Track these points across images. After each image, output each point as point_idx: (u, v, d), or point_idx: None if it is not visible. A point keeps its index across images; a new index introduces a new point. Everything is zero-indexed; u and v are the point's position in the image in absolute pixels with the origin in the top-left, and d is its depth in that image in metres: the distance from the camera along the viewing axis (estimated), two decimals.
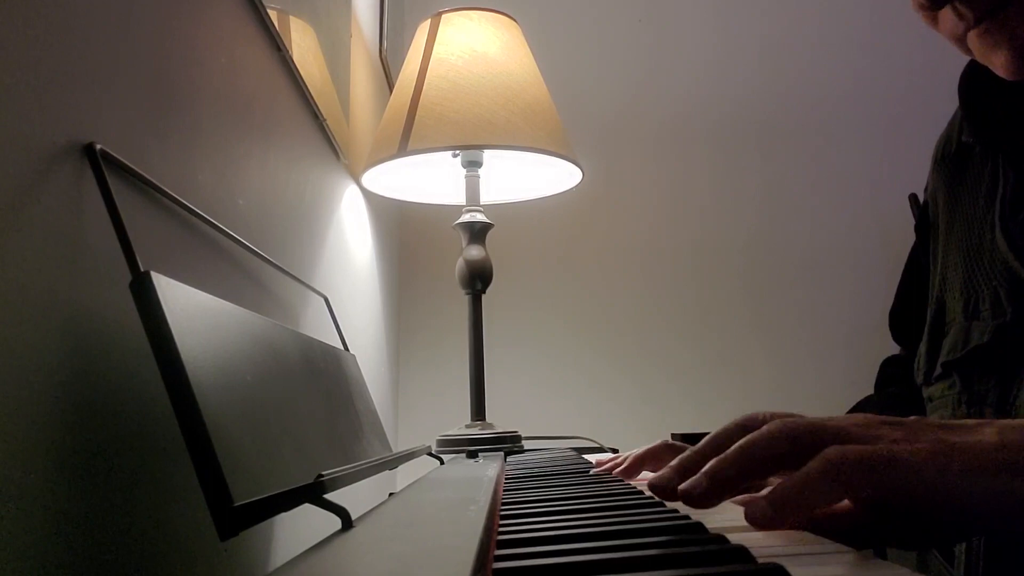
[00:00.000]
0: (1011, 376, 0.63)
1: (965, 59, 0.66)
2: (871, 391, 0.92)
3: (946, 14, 0.60)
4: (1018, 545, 0.56)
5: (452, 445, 1.21)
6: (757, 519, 0.39)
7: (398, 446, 1.53)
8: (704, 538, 0.36)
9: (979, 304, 0.67)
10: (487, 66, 1.28)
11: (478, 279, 1.31)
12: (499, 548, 0.37)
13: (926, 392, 0.74)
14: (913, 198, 1.02)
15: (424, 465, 0.91)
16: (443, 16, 1.34)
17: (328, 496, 0.41)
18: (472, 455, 1.13)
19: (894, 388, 0.87)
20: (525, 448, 1.27)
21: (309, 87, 0.96)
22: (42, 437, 0.38)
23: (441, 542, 0.35)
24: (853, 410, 0.86)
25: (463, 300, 1.33)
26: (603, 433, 1.52)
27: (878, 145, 1.97)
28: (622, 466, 0.76)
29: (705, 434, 0.51)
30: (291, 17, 0.95)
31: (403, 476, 1.44)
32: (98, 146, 0.44)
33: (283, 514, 0.40)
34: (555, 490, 0.62)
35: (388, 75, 1.67)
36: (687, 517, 0.42)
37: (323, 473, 0.42)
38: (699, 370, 1.89)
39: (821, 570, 0.32)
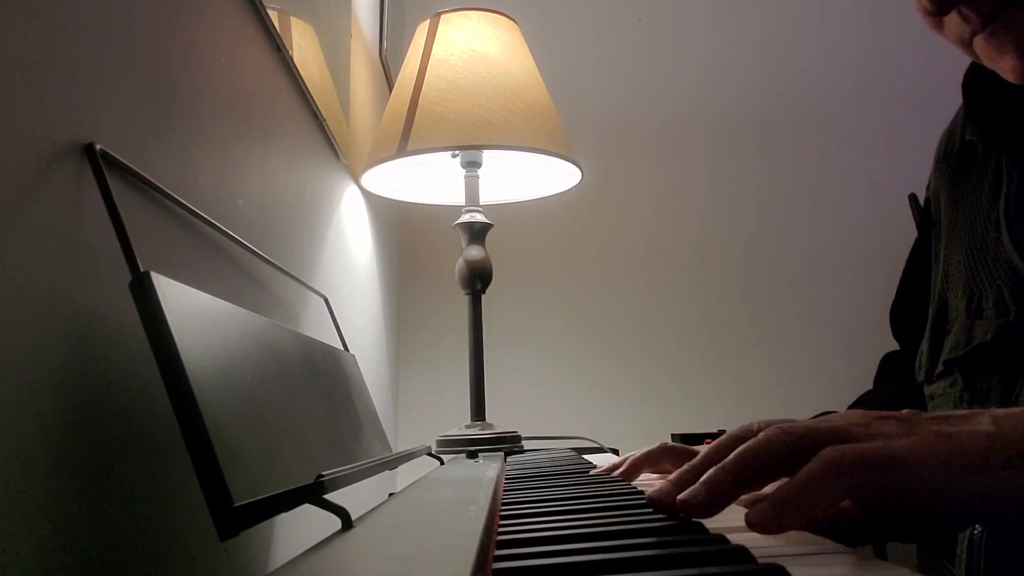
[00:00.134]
0: (1014, 375, 0.63)
1: (966, 59, 0.66)
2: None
3: (951, 19, 0.59)
4: (1019, 544, 0.56)
5: (452, 445, 1.21)
6: (758, 522, 0.39)
7: (398, 446, 1.53)
8: (704, 538, 0.36)
9: (982, 302, 0.67)
10: (487, 66, 1.28)
11: (478, 279, 1.31)
12: (499, 548, 0.37)
13: (928, 390, 0.74)
14: (913, 198, 1.01)
15: (424, 465, 0.91)
16: (442, 16, 1.34)
17: (328, 496, 0.41)
18: (472, 455, 1.13)
19: (894, 385, 0.87)
20: (525, 448, 1.27)
21: (309, 87, 0.96)
22: (42, 437, 0.38)
23: (441, 542, 0.35)
24: (853, 406, 0.86)
25: (463, 300, 1.33)
26: (603, 433, 1.52)
27: (878, 145, 1.97)
28: (620, 469, 0.76)
29: (705, 434, 0.51)
30: (291, 17, 0.95)
31: (403, 476, 1.44)
32: (98, 146, 0.44)
33: (283, 514, 0.40)
34: (555, 490, 0.62)
35: (388, 75, 1.67)
36: (687, 517, 0.42)
37: (323, 473, 0.42)
38: (699, 370, 1.89)
39: (821, 570, 0.32)
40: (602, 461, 0.83)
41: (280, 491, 0.39)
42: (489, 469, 0.74)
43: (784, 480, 0.41)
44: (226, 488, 0.35)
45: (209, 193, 0.64)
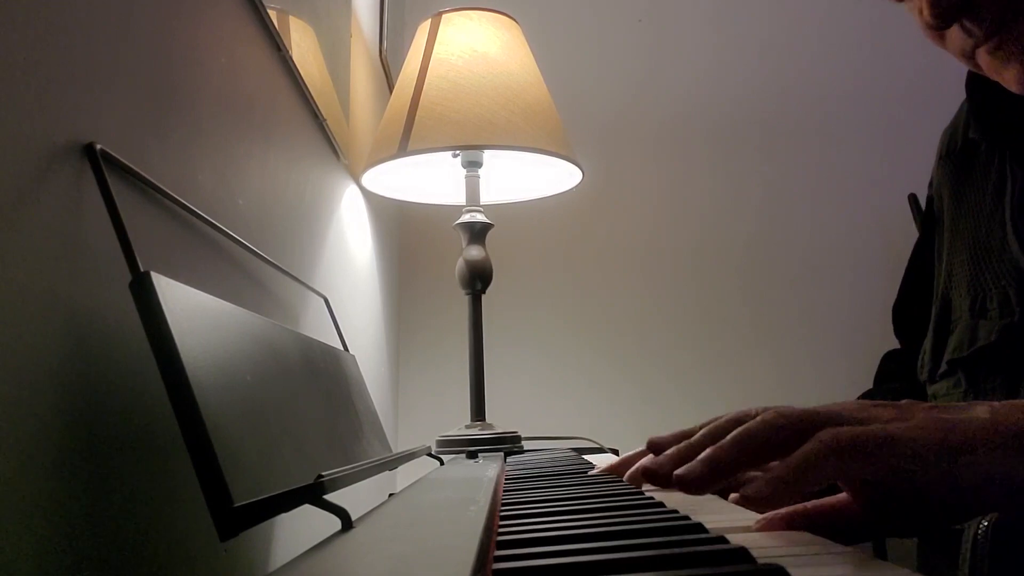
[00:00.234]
0: (1018, 376, 0.63)
1: None
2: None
3: (953, 32, 0.59)
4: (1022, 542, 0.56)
5: (452, 445, 1.21)
6: (753, 496, 0.40)
7: (398, 446, 1.53)
8: (704, 539, 0.36)
9: (986, 303, 0.67)
10: (487, 66, 1.28)
11: (478, 279, 1.31)
12: (499, 548, 0.37)
13: (930, 389, 0.74)
14: (913, 199, 1.01)
15: (424, 465, 0.91)
16: (443, 16, 1.34)
17: (328, 497, 0.41)
18: (472, 455, 1.13)
19: (895, 384, 0.87)
20: (525, 448, 1.27)
21: (309, 87, 0.96)
22: (42, 437, 0.38)
23: (441, 542, 0.35)
24: None
25: (463, 300, 1.33)
26: (603, 433, 1.52)
27: (878, 145, 1.97)
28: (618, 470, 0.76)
29: None
30: (291, 17, 0.95)
31: (403, 476, 1.44)
32: (98, 146, 0.44)
33: (283, 514, 0.40)
34: (555, 490, 0.62)
35: (388, 75, 1.67)
36: (687, 518, 0.42)
37: (323, 474, 0.42)
38: (699, 370, 1.89)
39: (821, 570, 0.32)
40: (602, 461, 0.83)
41: (280, 491, 0.39)
42: (489, 469, 0.74)
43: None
44: (226, 488, 0.35)
45: (209, 193, 0.64)
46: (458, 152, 1.31)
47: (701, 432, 0.49)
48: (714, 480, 0.43)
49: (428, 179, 1.47)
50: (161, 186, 0.51)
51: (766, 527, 0.45)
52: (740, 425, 0.45)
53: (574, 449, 1.32)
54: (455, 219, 1.34)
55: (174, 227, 0.56)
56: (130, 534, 0.45)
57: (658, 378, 1.88)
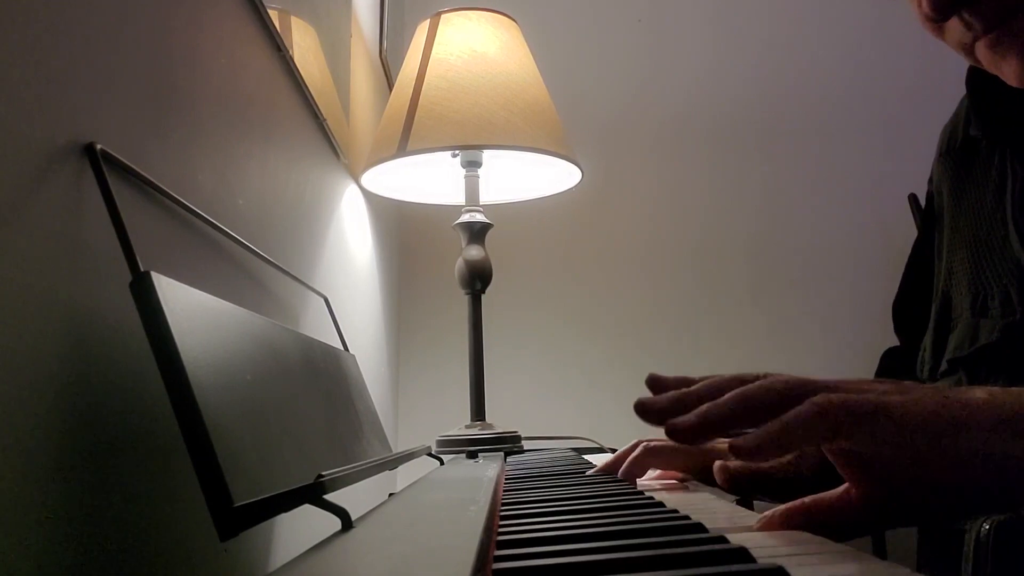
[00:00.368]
0: (1019, 375, 0.62)
1: None
2: None
3: (953, 24, 0.59)
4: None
5: (452, 445, 1.21)
6: (740, 448, 0.40)
7: (398, 446, 1.53)
8: (704, 538, 0.36)
9: (987, 301, 0.66)
10: (487, 66, 1.28)
11: (478, 279, 1.31)
12: (499, 548, 0.37)
13: None
14: (913, 198, 1.01)
15: (424, 465, 0.91)
16: (443, 16, 1.34)
17: (328, 496, 0.41)
18: (472, 455, 1.13)
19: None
20: (525, 448, 1.27)
21: (309, 87, 0.96)
22: (42, 437, 0.38)
23: (441, 542, 0.35)
24: None
25: (463, 300, 1.33)
26: (603, 433, 1.52)
27: (878, 145, 1.97)
28: (612, 467, 0.76)
29: None
30: (291, 17, 0.95)
31: (403, 476, 1.43)
32: (98, 146, 0.44)
33: (283, 514, 0.40)
34: (555, 490, 0.62)
35: (388, 75, 1.67)
36: (687, 517, 0.42)
37: (323, 473, 0.42)
38: (699, 370, 1.87)
39: (821, 570, 0.32)
40: (602, 461, 0.83)
41: (280, 491, 0.39)
42: (489, 469, 0.74)
43: None
44: (226, 488, 0.35)
45: (209, 193, 0.64)
46: (457, 152, 1.31)
47: (702, 384, 0.50)
48: (704, 435, 0.44)
49: (428, 179, 1.47)
50: (161, 186, 0.51)
51: (766, 527, 0.45)
52: (741, 384, 0.45)
53: (574, 449, 1.32)
54: (455, 219, 1.34)
55: (174, 227, 0.56)
56: (130, 534, 0.45)
57: None
